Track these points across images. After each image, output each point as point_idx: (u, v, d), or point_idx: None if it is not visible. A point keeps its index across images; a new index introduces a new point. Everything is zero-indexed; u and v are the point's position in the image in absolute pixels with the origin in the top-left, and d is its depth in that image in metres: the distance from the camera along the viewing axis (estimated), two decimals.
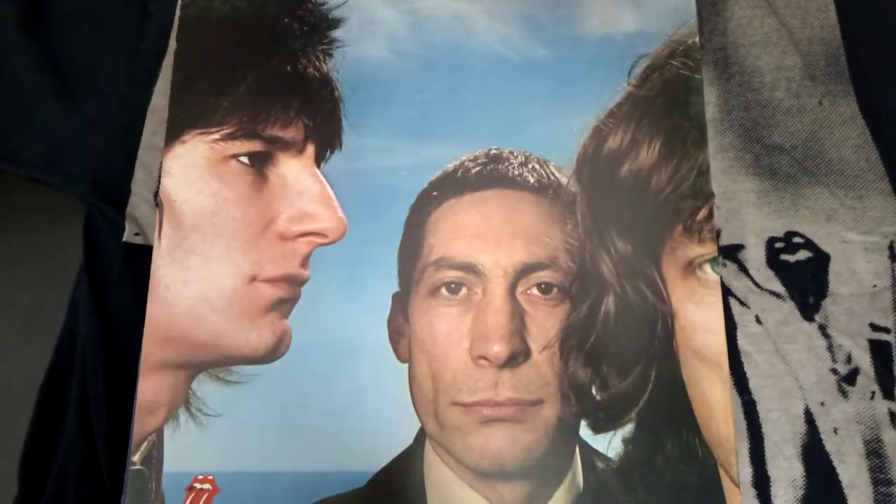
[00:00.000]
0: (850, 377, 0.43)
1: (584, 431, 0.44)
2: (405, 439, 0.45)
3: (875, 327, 0.44)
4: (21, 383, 0.48)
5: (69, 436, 0.46)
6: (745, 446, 0.44)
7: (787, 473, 0.43)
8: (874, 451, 0.42)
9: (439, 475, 0.44)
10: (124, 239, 0.48)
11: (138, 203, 0.49)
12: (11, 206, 0.56)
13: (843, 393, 0.44)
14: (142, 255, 0.47)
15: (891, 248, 0.45)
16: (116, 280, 0.48)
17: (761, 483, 0.43)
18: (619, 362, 0.45)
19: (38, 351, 0.49)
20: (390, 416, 0.45)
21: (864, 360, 0.44)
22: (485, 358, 0.45)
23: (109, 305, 0.48)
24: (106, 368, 0.47)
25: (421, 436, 0.45)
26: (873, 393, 0.43)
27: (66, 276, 0.50)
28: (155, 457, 0.45)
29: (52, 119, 0.50)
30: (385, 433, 0.44)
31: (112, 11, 0.52)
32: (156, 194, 0.48)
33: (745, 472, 0.43)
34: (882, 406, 0.43)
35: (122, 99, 0.50)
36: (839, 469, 0.43)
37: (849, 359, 0.44)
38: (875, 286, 0.45)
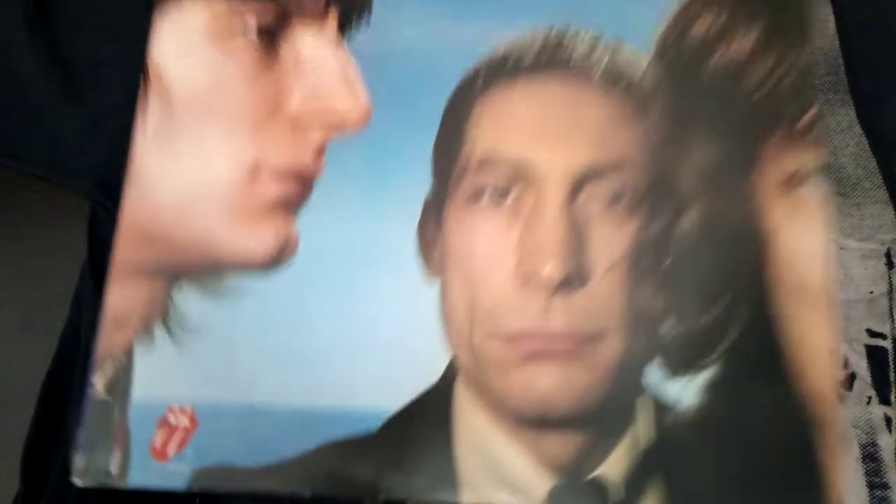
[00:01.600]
0: (847, 382, 0.43)
1: (653, 375, 0.39)
2: (431, 374, 0.40)
3: (872, 333, 0.44)
4: (24, 378, 0.49)
5: (71, 431, 0.44)
6: None
7: None
8: (870, 456, 0.42)
9: (471, 422, 0.39)
10: None
11: None
12: (15, 202, 0.59)
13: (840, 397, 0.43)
14: None
15: (888, 255, 0.45)
16: None
17: None
18: (699, 292, 0.40)
19: (41, 346, 0.50)
20: (414, 344, 0.40)
21: (860, 366, 0.44)
22: (534, 279, 0.39)
23: None
24: None
25: (450, 371, 0.40)
26: (869, 398, 0.43)
27: (69, 271, 0.51)
28: (122, 384, 0.39)
29: (57, 116, 0.49)
30: (406, 365, 0.40)
31: (119, 10, 0.51)
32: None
33: None
34: (878, 411, 0.43)
35: (129, 97, 0.48)
36: None
37: (846, 364, 0.43)
38: (872, 292, 0.44)
